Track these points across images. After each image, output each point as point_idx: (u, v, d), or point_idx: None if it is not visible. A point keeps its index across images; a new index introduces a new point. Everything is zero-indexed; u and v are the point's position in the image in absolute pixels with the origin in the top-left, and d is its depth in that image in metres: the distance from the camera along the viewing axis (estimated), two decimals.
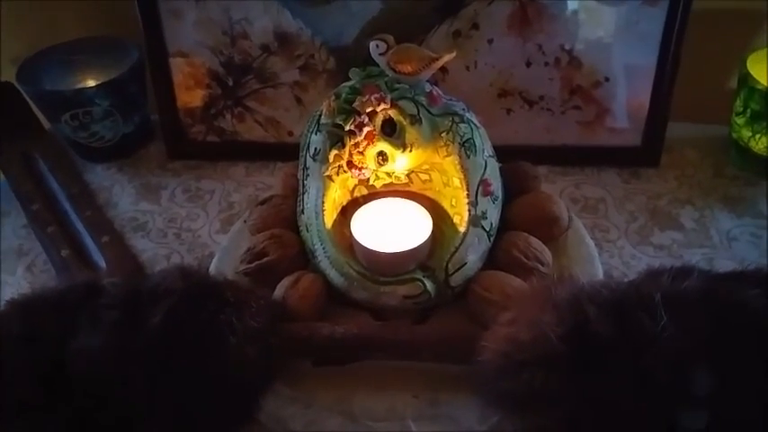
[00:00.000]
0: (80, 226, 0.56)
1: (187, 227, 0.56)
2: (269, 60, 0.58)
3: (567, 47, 0.55)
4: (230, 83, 0.60)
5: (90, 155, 0.64)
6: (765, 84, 0.54)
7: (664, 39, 0.54)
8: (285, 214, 0.49)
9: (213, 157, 0.63)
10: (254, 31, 0.57)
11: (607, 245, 0.53)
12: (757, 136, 0.55)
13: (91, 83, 0.65)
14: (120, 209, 0.58)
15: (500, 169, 0.48)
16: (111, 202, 0.59)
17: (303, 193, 0.47)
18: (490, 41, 0.56)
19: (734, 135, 0.58)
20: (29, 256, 0.54)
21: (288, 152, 0.61)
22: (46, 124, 0.67)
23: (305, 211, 0.47)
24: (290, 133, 0.61)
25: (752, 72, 0.55)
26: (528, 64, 0.56)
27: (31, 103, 0.65)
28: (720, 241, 0.52)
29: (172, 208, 0.58)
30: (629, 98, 0.57)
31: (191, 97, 0.61)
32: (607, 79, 0.56)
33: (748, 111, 0.55)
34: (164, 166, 0.63)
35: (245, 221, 0.51)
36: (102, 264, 0.52)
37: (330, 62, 0.58)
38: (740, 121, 0.57)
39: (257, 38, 0.57)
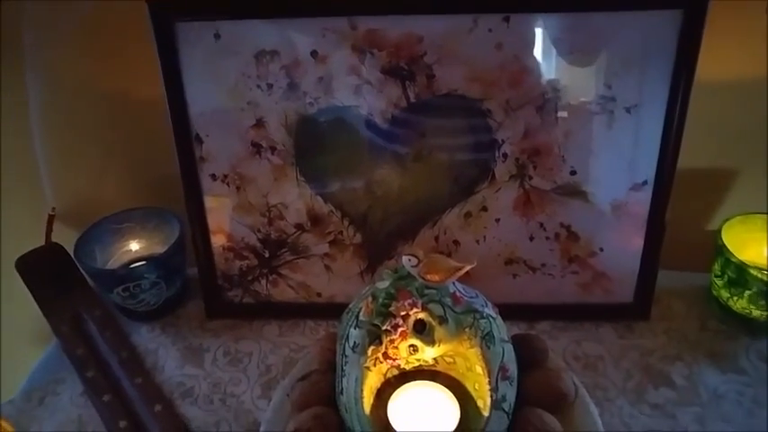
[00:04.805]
0: (133, 393, 0.61)
1: (231, 392, 0.62)
2: (302, 236, 0.66)
3: (565, 224, 0.63)
4: (266, 255, 0.67)
5: (134, 316, 0.70)
6: (738, 254, 0.62)
7: (650, 217, 0.63)
8: (325, 392, 0.55)
9: (248, 316, 0.69)
10: (290, 213, 0.65)
11: (607, 404, 0.59)
12: (735, 298, 0.63)
13: (135, 246, 0.72)
14: (167, 373, 0.64)
15: (512, 339, 0.55)
16: (158, 365, 0.65)
17: (342, 377, 0.54)
18: (497, 220, 0.64)
19: (714, 292, 0.66)
20: (89, 428, 0.59)
21: (316, 311, 0.68)
22: (90, 281, 0.73)
23: (344, 394, 0.53)
24: (319, 294, 0.68)
25: (726, 243, 0.63)
26: (531, 238, 0.64)
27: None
28: (709, 399, 0.59)
29: (215, 372, 0.64)
30: (620, 263, 0.65)
31: (229, 267, 0.68)
32: (601, 249, 0.64)
33: (725, 276, 0.63)
34: (203, 326, 0.69)
35: (287, 395, 0.57)
36: None
37: (357, 237, 0.65)
38: (719, 282, 0.64)
39: (292, 218, 0.65)
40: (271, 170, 0.63)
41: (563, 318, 0.67)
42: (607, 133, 0.60)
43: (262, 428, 0.56)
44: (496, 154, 0.61)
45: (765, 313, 0.62)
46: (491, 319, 0.53)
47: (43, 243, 0.70)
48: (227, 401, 0.61)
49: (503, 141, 0.60)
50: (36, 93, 0.69)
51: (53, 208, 0.69)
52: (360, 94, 0.59)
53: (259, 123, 0.61)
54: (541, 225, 0.63)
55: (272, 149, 0.62)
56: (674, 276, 0.71)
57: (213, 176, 0.64)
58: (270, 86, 0.60)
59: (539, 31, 0.57)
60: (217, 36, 0.58)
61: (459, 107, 0.59)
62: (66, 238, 0.71)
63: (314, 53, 0.58)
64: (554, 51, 0.58)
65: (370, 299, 0.53)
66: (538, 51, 0.58)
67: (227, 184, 0.64)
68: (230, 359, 0.65)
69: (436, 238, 0.65)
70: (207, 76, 0.60)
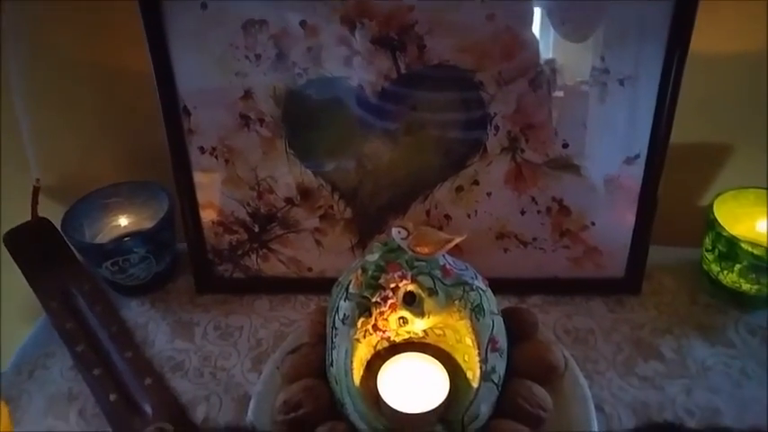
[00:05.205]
0: (123, 366, 0.61)
1: (221, 366, 0.62)
2: (292, 211, 0.65)
3: (557, 198, 0.63)
4: (256, 229, 0.66)
5: (123, 290, 0.69)
6: (729, 229, 0.62)
7: (642, 191, 0.62)
8: (315, 364, 0.55)
9: (238, 291, 0.69)
10: (279, 187, 0.64)
11: (597, 377, 0.59)
12: (725, 272, 0.63)
13: (124, 221, 0.72)
14: (158, 347, 0.64)
15: (502, 312, 0.55)
16: (148, 340, 0.65)
17: (332, 349, 0.54)
18: (489, 194, 0.63)
19: (705, 267, 0.66)
20: (79, 400, 0.59)
21: (307, 286, 0.68)
22: (78, 256, 0.72)
23: (334, 365, 0.53)
24: (310, 269, 0.68)
25: (718, 217, 0.63)
26: (522, 212, 0.64)
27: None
28: (697, 371, 0.59)
29: (205, 346, 0.64)
30: (612, 237, 0.65)
31: (219, 241, 0.67)
32: (593, 223, 0.64)
33: (716, 250, 0.63)
34: (193, 300, 0.69)
35: (277, 368, 0.57)
36: (148, 409, 0.57)
37: (347, 211, 0.65)
38: (710, 256, 0.64)
39: (282, 192, 0.64)
40: (259, 143, 0.62)
41: (554, 292, 0.67)
42: (600, 106, 0.59)
43: (252, 401, 0.56)
44: (488, 127, 0.60)
45: (755, 287, 0.62)
46: (481, 292, 0.53)
47: (30, 215, 0.69)
48: (218, 375, 0.61)
49: (495, 114, 0.59)
50: (18, 64, 0.68)
51: (37, 179, 0.68)
52: (350, 65, 0.58)
53: (247, 95, 0.60)
54: (533, 199, 0.63)
55: (261, 121, 0.61)
56: (666, 252, 0.71)
57: (201, 149, 0.63)
58: (258, 57, 0.59)
59: (531, 2, 0.57)
60: (203, 6, 0.57)
61: (451, 79, 0.58)
62: (53, 213, 0.70)
63: (303, 23, 0.57)
64: (547, 23, 0.57)
65: (359, 271, 0.52)
66: (531, 23, 0.57)
67: (216, 156, 0.63)
68: (220, 333, 0.65)
69: (427, 213, 0.65)
70: (194, 47, 0.59)
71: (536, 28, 0.58)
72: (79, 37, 0.68)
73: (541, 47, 0.58)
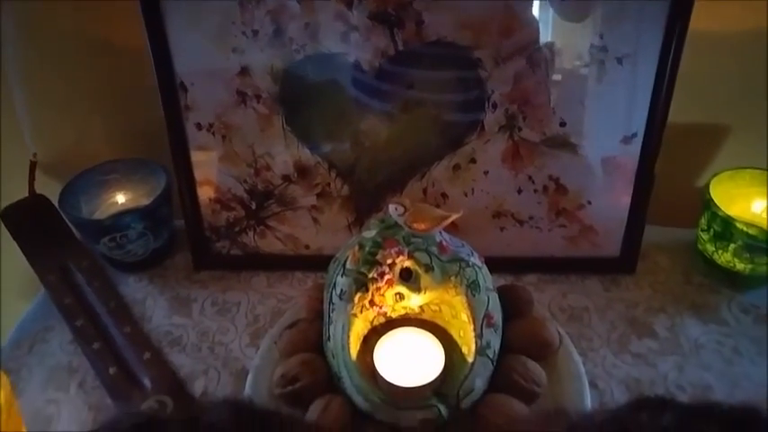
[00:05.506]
0: (122, 341, 0.62)
1: (219, 341, 0.62)
2: (289, 188, 0.65)
3: (554, 177, 0.63)
4: (253, 206, 0.66)
5: (121, 267, 0.70)
6: (725, 209, 0.62)
7: (638, 170, 0.62)
8: (312, 339, 0.56)
9: (236, 267, 0.69)
10: (276, 164, 0.64)
11: (591, 354, 0.60)
12: (720, 251, 0.64)
13: (121, 198, 0.72)
14: (155, 323, 0.64)
15: (498, 290, 0.56)
16: (146, 315, 0.65)
17: (329, 324, 0.54)
18: (486, 173, 0.63)
19: (700, 247, 0.67)
20: (79, 373, 0.60)
21: (304, 263, 0.68)
22: (76, 232, 0.72)
23: (331, 340, 0.53)
24: (307, 246, 0.68)
25: (714, 198, 0.63)
26: (519, 191, 0.64)
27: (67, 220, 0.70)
28: (689, 349, 0.60)
29: (203, 321, 0.64)
30: (608, 216, 0.65)
31: (216, 218, 0.67)
32: (589, 202, 0.64)
33: (711, 230, 0.63)
34: (190, 277, 0.69)
35: (275, 343, 0.58)
36: (147, 382, 0.58)
37: (344, 189, 0.65)
38: (705, 236, 0.65)
39: (279, 169, 0.64)
40: (256, 119, 0.62)
41: (550, 271, 0.67)
42: (598, 84, 0.59)
43: (250, 375, 0.57)
44: (486, 104, 0.60)
45: (749, 266, 0.63)
46: (477, 268, 0.53)
47: (27, 191, 0.69)
48: (216, 350, 0.61)
49: (492, 92, 0.59)
50: (14, 40, 0.67)
51: (34, 154, 0.68)
52: (347, 41, 0.58)
53: (244, 71, 0.60)
54: (530, 178, 0.63)
55: (258, 98, 0.61)
56: (661, 231, 0.71)
57: (198, 126, 0.63)
58: (255, 33, 0.58)
59: None
60: None
61: (449, 56, 0.58)
62: (50, 189, 0.70)
63: None
64: (546, 1, 0.57)
65: (356, 247, 0.53)
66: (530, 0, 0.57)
67: (213, 133, 0.63)
68: (218, 309, 0.65)
69: (424, 191, 0.65)
70: (191, 23, 0.58)
71: (535, 6, 0.57)
72: (75, 13, 0.67)
73: (539, 24, 0.57)
